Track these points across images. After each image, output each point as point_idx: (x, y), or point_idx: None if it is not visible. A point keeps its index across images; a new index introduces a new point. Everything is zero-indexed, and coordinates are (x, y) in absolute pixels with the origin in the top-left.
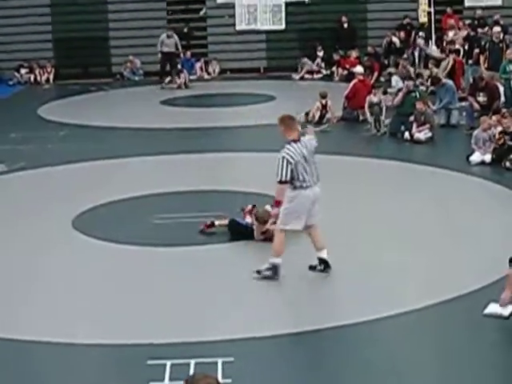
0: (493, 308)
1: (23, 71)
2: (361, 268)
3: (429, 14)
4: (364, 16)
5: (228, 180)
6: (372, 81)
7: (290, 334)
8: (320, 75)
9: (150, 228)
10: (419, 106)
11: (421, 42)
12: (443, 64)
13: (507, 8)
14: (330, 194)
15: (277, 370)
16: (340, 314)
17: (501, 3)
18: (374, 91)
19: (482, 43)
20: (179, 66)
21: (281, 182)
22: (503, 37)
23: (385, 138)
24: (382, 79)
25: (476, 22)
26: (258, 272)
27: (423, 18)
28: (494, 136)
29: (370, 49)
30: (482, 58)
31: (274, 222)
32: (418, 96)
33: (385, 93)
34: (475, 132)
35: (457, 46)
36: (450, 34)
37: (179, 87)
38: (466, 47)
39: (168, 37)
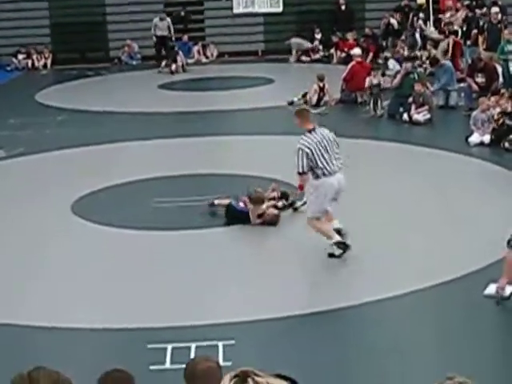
0: (493, 288)
1: (21, 57)
2: (361, 250)
3: None
4: None
5: (227, 163)
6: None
7: (290, 317)
8: (318, 55)
9: (148, 212)
10: (418, 87)
11: (420, 23)
12: (442, 45)
13: None
14: None
15: (278, 352)
16: (341, 297)
17: None
18: (374, 73)
19: (481, 24)
20: (176, 49)
21: (300, 173)
22: (501, 17)
23: (383, 119)
24: (380, 61)
25: (474, 3)
26: (332, 255)
27: (421, 0)
28: (493, 117)
29: (367, 31)
30: (480, 39)
31: (275, 206)
32: (416, 77)
33: (383, 75)
34: (474, 113)
35: (455, 27)
36: (447, 15)
37: (176, 71)
38: (465, 28)
39: (161, 19)
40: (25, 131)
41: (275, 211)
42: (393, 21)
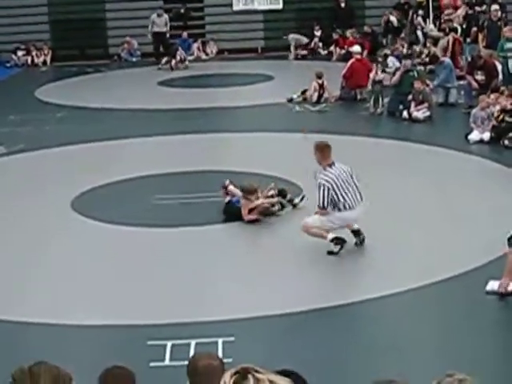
0: (494, 285)
1: (20, 53)
2: (361, 248)
3: None
4: None
5: (227, 160)
6: None
7: (290, 314)
8: (315, 48)
9: (148, 209)
10: (417, 84)
11: (420, 20)
12: (441, 43)
13: None
14: None
15: (278, 348)
16: (341, 294)
17: None
18: (376, 69)
19: (480, 21)
20: (177, 45)
21: (321, 208)
22: (501, 15)
23: (383, 117)
24: (380, 59)
25: (474, 0)
26: (331, 252)
27: None
28: (493, 114)
29: (366, 28)
30: (480, 37)
31: (270, 203)
32: (416, 75)
33: (383, 71)
34: (474, 110)
35: (455, 25)
36: (446, 12)
37: (176, 67)
38: (464, 26)
39: (158, 15)
40: (25, 128)
41: (266, 204)
42: (392, 18)
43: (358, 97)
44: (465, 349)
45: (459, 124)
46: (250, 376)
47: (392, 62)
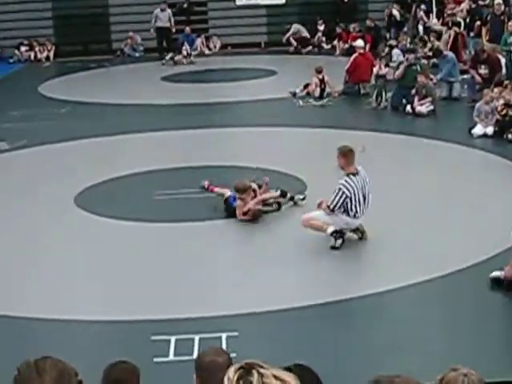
0: (497, 273)
1: (23, 49)
2: (366, 242)
3: None
4: None
5: (230, 155)
6: None
7: (293, 309)
8: (319, 42)
9: (151, 204)
10: (421, 79)
11: (422, 14)
12: (445, 37)
13: None
14: (332, 168)
15: (281, 343)
16: (345, 288)
17: None
18: (380, 63)
19: (484, 15)
20: (182, 40)
21: (330, 210)
22: (504, 9)
23: (386, 111)
24: (382, 53)
25: None
26: (334, 247)
27: None
28: (497, 108)
29: (368, 22)
30: (483, 31)
31: (264, 204)
32: (419, 69)
33: (386, 65)
34: (477, 104)
35: (458, 19)
36: (449, 6)
37: (181, 62)
38: (468, 20)
39: (161, 10)
40: (28, 123)
41: (258, 206)
42: (395, 12)
43: (362, 91)
44: (470, 343)
45: (463, 118)
46: (254, 371)
47: (397, 54)
